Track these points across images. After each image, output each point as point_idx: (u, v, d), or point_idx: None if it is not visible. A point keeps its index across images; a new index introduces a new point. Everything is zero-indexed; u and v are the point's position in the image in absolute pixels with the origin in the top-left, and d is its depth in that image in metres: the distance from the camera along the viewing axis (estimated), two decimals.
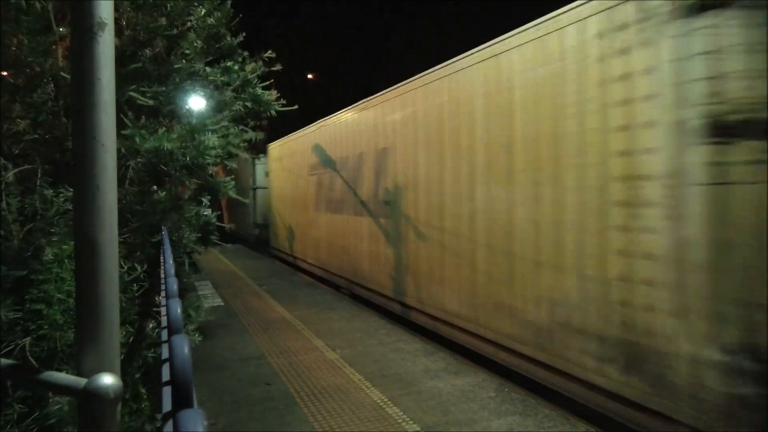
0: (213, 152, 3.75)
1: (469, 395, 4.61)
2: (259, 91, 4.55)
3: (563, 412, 4.23)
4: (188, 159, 3.64)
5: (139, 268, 3.40)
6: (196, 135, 3.59)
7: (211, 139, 3.70)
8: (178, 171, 3.85)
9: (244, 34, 4.37)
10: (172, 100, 3.69)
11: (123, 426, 2.77)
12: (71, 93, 1.07)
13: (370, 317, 7.52)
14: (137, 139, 3.22)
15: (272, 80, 4.83)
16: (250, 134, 4.78)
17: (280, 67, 4.75)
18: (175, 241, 4.15)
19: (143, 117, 3.48)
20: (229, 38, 4.22)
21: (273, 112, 4.70)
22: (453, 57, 5.77)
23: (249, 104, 4.49)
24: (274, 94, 4.75)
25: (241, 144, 4.44)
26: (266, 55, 4.60)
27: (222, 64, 4.17)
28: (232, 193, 4.46)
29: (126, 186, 3.66)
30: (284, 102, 4.80)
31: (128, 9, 3.45)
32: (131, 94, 3.21)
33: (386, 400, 4.54)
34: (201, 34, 3.87)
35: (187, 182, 4.18)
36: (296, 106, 4.87)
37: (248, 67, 4.46)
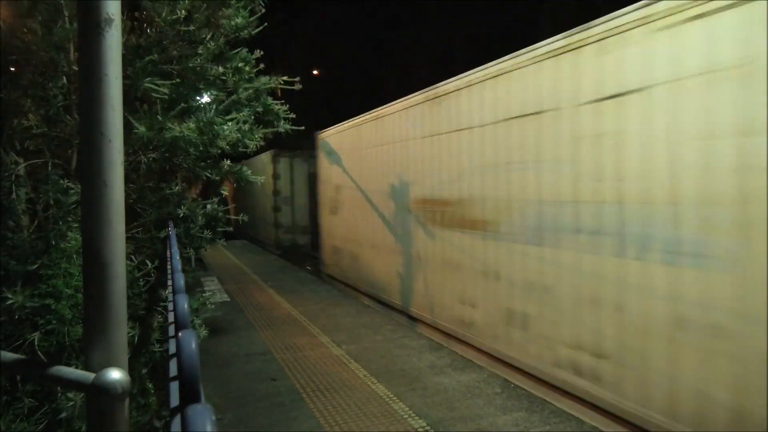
0: (227, 139, 3.81)
1: (474, 391, 4.61)
2: (269, 101, 4.63)
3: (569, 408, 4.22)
4: (201, 148, 3.68)
5: (136, 260, 3.41)
6: (215, 126, 3.63)
7: (229, 129, 3.76)
8: (191, 164, 3.88)
9: (261, 53, 4.46)
10: (188, 97, 3.71)
11: (131, 421, 2.79)
12: (78, 89, 1.07)
13: (375, 313, 7.53)
14: (168, 126, 3.28)
15: (284, 99, 4.94)
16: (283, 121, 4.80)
17: (300, 87, 4.83)
18: (181, 236, 4.17)
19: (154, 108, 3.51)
20: (244, 49, 4.29)
21: (281, 129, 4.79)
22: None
23: (260, 110, 4.57)
24: (284, 107, 4.84)
25: (258, 137, 4.48)
26: (286, 78, 4.72)
27: (233, 64, 4.20)
28: (250, 179, 4.56)
29: (139, 181, 3.68)
30: (294, 116, 4.91)
31: (156, 6, 3.48)
32: (148, 85, 3.22)
33: (392, 395, 4.55)
34: (220, 35, 3.90)
35: (205, 174, 4.22)
36: (303, 128, 4.95)
37: (263, 79, 4.52)
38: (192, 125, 3.52)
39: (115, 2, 1.04)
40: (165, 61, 3.54)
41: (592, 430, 3.89)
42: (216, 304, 7.85)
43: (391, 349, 5.85)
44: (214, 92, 4.07)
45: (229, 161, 4.41)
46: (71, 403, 2.47)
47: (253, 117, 4.48)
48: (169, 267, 2.88)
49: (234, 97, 4.22)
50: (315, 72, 25.19)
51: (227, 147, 4.04)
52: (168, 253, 3.17)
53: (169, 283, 2.55)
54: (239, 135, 4.01)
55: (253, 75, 4.49)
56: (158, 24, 3.51)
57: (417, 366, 5.28)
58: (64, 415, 2.49)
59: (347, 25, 22.93)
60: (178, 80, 3.57)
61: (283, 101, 4.91)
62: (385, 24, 21.12)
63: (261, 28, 4.41)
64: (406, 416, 4.15)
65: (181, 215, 3.91)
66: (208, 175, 4.24)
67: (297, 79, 4.84)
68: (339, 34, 23.41)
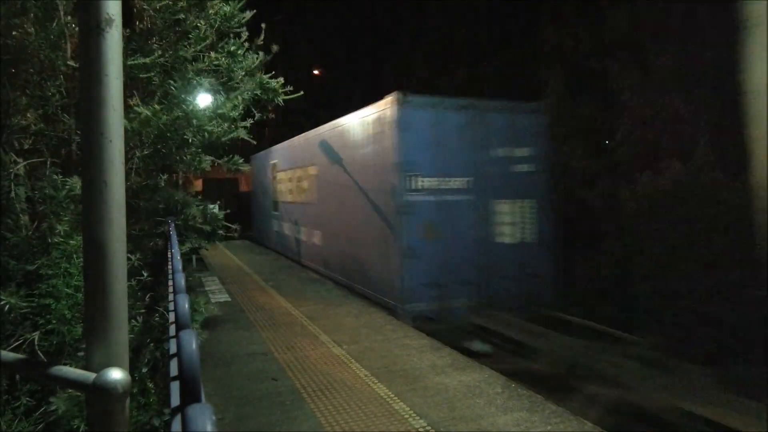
0: (213, 135, 3.81)
1: (475, 391, 4.61)
2: (264, 79, 4.56)
3: (570, 408, 4.22)
4: (190, 138, 3.67)
5: (132, 258, 3.40)
6: (209, 122, 3.65)
7: (218, 125, 3.76)
8: (185, 156, 3.88)
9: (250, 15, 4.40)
10: (181, 90, 3.70)
11: (131, 420, 2.80)
12: (79, 89, 1.07)
13: (376, 313, 7.53)
14: (158, 114, 3.28)
15: (275, 73, 4.86)
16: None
17: (277, 48, 4.76)
18: (181, 229, 4.18)
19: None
20: (237, 20, 4.23)
21: (280, 101, 4.72)
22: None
23: (258, 92, 4.49)
24: (280, 81, 4.76)
25: (245, 127, 4.46)
26: (261, 40, 4.64)
27: (226, 48, 4.15)
28: (241, 168, 4.58)
29: (132, 177, 3.68)
30: (290, 89, 4.82)
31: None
32: (132, 62, 3.22)
33: (392, 395, 4.55)
34: (213, 23, 3.89)
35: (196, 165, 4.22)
36: (302, 92, 4.89)
37: (249, 59, 4.47)
38: (180, 113, 3.52)
39: (115, 2, 1.04)
40: (155, 50, 3.54)
41: (593, 430, 3.89)
42: (217, 304, 7.86)
43: (391, 349, 5.85)
44: (208, 83, 4.03)
45: (211, 157, 4.42)
46: (53, 408, 2.47)
47: (250, 97, 4.44)
48: (169, 267, 2.88)
49: (236, 76, 4.19)
50: (315, 72, 25.18)
51: (216, 138, 4.03)
52: (168, 253, 3.17)
53: (170, 282, 2.55)
54: (231, 130, 4.01)
55: (251, 65, 4.46)
56: (148, 13, 3.51)
57: (418, 366, 5.28)
58: (53, 418, 2.49)
59: (347, 25, 22.94)
60: (156, 56, 3.53)
61: (284, 84, 4.84)
62: (385, 22, 21.14)
63: (251, 15, 4.37)
64: (406, 416, 4.15)
65: (176, 205, 3.91)
66: (197, 166, 4.23)
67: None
68: (339, 33, 23.42)
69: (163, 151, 3.69)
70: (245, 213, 18.30)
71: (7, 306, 2.53)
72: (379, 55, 21.70)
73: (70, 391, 2.51)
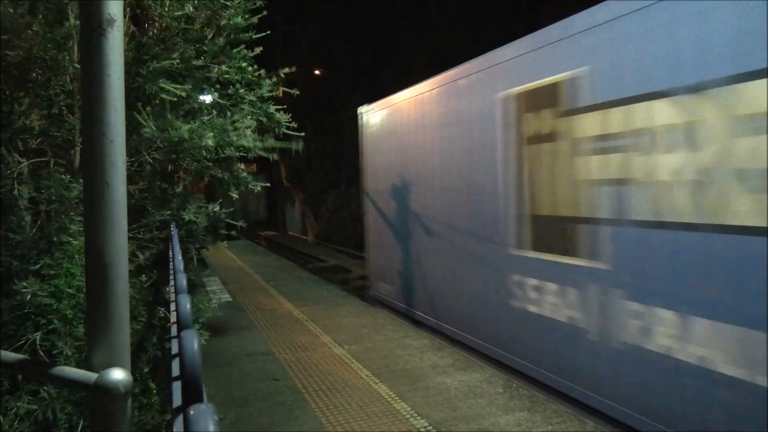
0: (233, 144, 3.86)
1: (476, 391, 4.61)
2: (271, 109, 4.70)
3: (571, 408, 4.22)
4: (213, 153, 3.72)
5: (141, 255, 3.42)
6: (229, 134, 3.71)
7: (237, 135, 3.82)
8: (198, 166, 3.92)
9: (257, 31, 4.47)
10: (193, 98, 3.74)
11: (133, 420, 2.80)
12: (81, 89, 1.07)
13: (377, 313, 7.53)
14: (176, 126, 3.32)
15: (284, 105, 5.02)
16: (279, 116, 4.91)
17: (297, 93, 5.00)
18: (183, 237, 4.20)
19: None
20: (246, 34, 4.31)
21: (281, 132, 4.89)
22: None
23: (263, 119, 4.64)
24: (286, 117, 4.94)
25: (268, 145, 4.60)
26: (284, 71, 4.79)
27: (236, 64, 4.23)
28: (252, 186, 4.64)
29: (141, 181, 3.70)
30: (295, 125, 5.02)
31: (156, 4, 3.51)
32: (163, 86, 3.25)
33: (394, 395, 4.55)
34: (224, 33, 3.94)
35: (214, 174, 4.27)
36: (303, 134, 5.09)
37: (264, 85, 4.59)
38: (209, 133, 3.57)
39: (116, 3, 1.04)
40: (170, 61, 3.56)
41: (594, 430, 3.89)
42: (218, 304, 7.86)
43: (392, 348, 5.85)
44: (218, 93, 4.10)
45: (242, 164, 4.52)
46: (34, 408, 2.48)
47: (255, 123, 4.54)
48: (171, 267, 2.88)
49: (240, 92, 4.25)
50: (317, 72, 25.16)
51: (235, 153, 4.10)
52: (170, 253, 3.17)
53: (172, 283, 2.55)
54: (249, 144, 4.10)
55: (255, 78, 4.53)
56: (164, 20, 3.53)
57: (419, 366, 5.28)
58: (37, 413, 2.50)
59: (347, 24, 22.93)
60: (189, 86, 3.60)
61: (284, 107, 4.97)
62: (386, 22, 21.14)
63: (263, 35, 4.46)
64: (408, 416, 4.15)
65: (187, 219, 3.94)
66: (218, 175, 4.29)
67: (295, 91, 5.00)
68: (340, 33, 23.41)
69: (174, 156, 3.73)
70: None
71: (29, 295, 2.55)
72: (379, 55, 21.71)
73: (55, 389, 2.52)
